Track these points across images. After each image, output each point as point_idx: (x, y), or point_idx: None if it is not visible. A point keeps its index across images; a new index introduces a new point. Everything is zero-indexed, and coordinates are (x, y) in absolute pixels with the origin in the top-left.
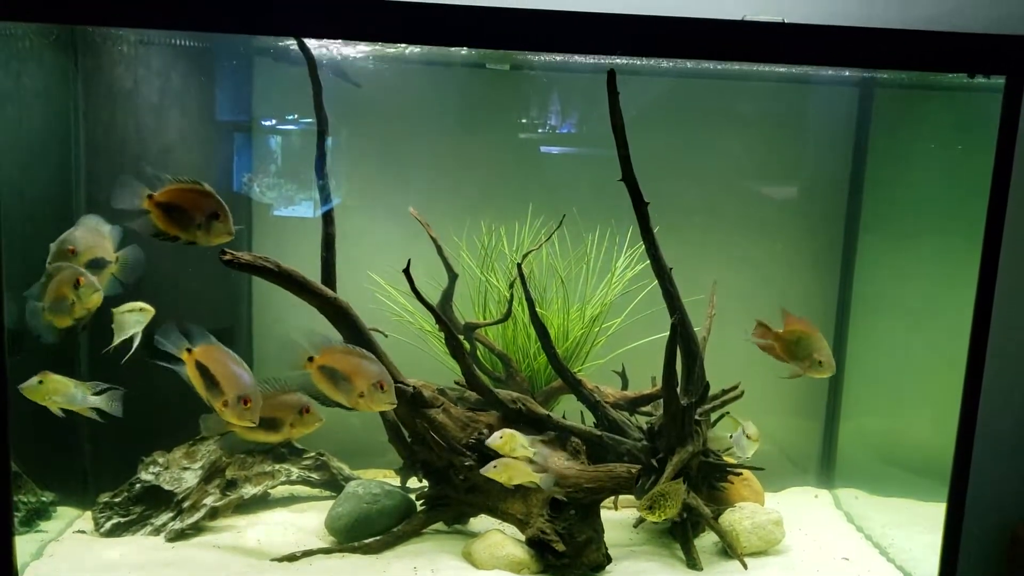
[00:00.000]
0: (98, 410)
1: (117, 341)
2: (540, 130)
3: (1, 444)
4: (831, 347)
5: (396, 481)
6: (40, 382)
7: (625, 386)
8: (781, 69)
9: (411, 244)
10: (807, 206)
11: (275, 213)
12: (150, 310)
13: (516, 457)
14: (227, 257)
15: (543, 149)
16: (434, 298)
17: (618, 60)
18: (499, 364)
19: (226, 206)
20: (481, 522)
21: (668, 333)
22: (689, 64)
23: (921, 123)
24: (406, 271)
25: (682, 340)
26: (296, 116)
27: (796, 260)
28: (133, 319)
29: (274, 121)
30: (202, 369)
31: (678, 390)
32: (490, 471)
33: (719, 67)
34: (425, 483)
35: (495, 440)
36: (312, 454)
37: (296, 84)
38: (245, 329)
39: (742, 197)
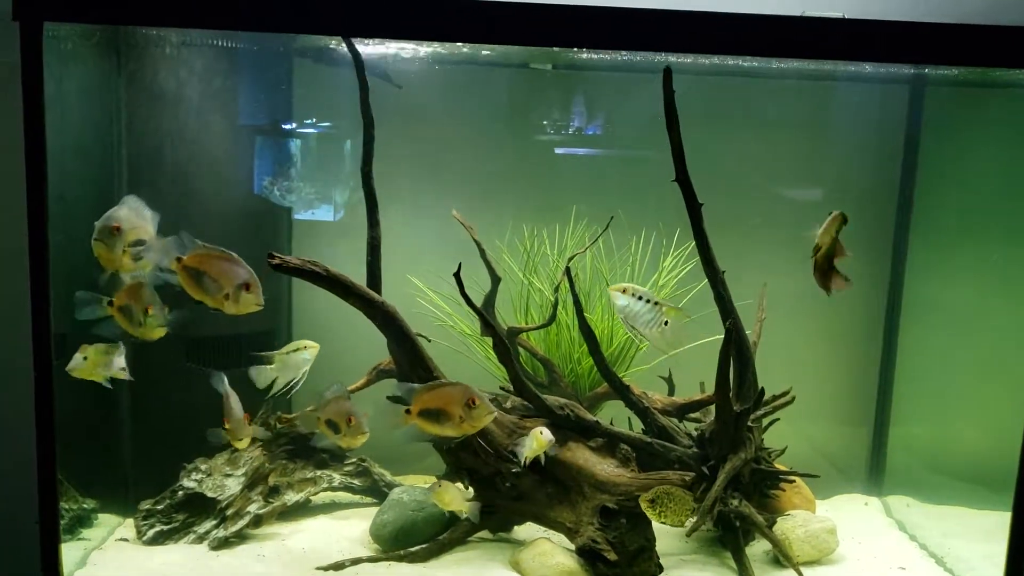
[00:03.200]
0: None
1: (283, 384)
2: (584, 131)
3: (48, 451)
4: (880, 352)
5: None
6: (85, 358)
7: (672, 392)
8: (829, 67)
9: (451, 248)
10: (856, 209)
11: (296, 216)
12: (315, 346)
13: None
14: (275, 261)
15: (587, 150)
16: (476, 303)
17: (671, 58)
18: (541, 369)
19: (255, 277)
20: (525, 530)
21: (722, 338)
22: (739, 62)
23: (976, 122)
24: (456, 275)
25: (735, 345)
26: (332, 120)
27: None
28: (300, 359)
29: (315, 123)
30: (196, 274)
31: (731, 396)
32: (436, 491)
33: (767, 65)
34: (471, 489)
35: (436, 488)
36: (353, 460)
37: (337, 85)
38: (285, 333)
39: (789, 201)
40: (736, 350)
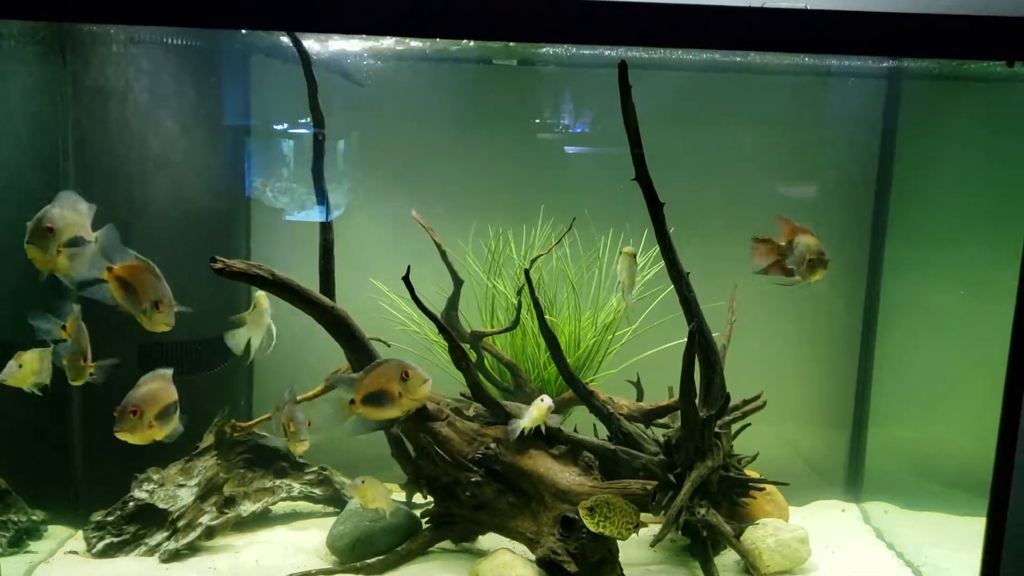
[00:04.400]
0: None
1: (259, 344)
2: (550, 129)
3: None
4: (857, 353)
5: (402, 496)
6: (20, 365)
7: (640, 397)
8: (802, 60)
9: (417, 250)
10: (831, 207)
11: (288, 218)
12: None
13: None
14: (218, 266)
15: (553, 149)
16: (440, 306)
17: (632, 52)
18: (507, 374)
19: (170, 295)
20: (491, 540)
21: (686, 341)
22: (704, 56)
23: (954, 118)
24: (406, 278)
25: (700, 349)
26: (292, 119)
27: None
28: (263, 311)
29: (270, 121)
30: (124, 284)
31: (696, 401)
32: (357, 488)
33: (735, 59)
34: (428, 499)
35: (357, 484)
36: (315, 468)
37: (296, 83)
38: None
39: (762, 198)
40: (702, 354)
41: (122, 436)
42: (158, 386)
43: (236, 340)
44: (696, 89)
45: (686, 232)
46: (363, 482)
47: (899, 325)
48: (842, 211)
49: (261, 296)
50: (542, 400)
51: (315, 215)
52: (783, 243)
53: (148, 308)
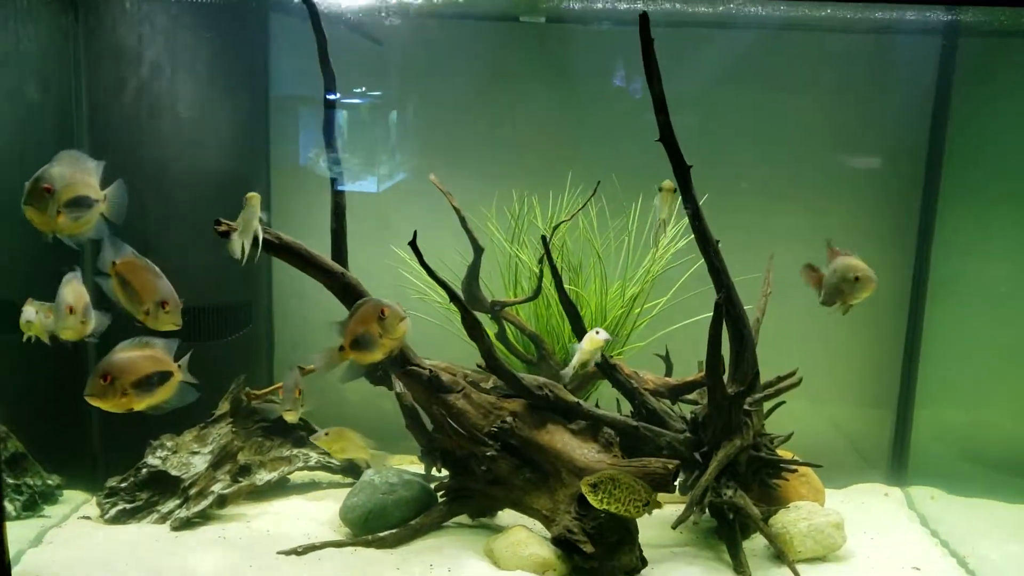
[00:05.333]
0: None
1: (251, 246)
2: (579, 89)
3: None
4: (904, 328)
5: (419, 469)
6: (37, 312)
7: (669, 372)
8: (851, 16)
9: (439, 215)
10: (879, 174)
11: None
12: (255, 195)
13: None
14: (222, 228)
15: (582, 111)
16: (461, 274)
17: (666, 6)
18: (531, 346)
19: (175, 295)
20: (510, 516)
21: (712, 316)
22: (748, 11)
23: (1013, 77)
24: (413, 243)
25: (730, 321)
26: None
27: (866, 234)
28: (251, 212)
29: (289, 82)
30: (123, 280)
31: (725, 377)
32: (321, 439)
33: (780, 11)
34: (445, 472)
35: (321, 436)
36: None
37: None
38: (264, 304)
39: (806, 164)
40: (732, 326)
41: (93, 402)
42: (140, 354)
43: (234, 247)
44: (737, 49)
45: (725, 199)
46: (327, 434)
47: (949, 299)
48: (890, 177)
49: (252, 196)
50: (597, 332)
51: (365, 185)
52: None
53: (153, 308)
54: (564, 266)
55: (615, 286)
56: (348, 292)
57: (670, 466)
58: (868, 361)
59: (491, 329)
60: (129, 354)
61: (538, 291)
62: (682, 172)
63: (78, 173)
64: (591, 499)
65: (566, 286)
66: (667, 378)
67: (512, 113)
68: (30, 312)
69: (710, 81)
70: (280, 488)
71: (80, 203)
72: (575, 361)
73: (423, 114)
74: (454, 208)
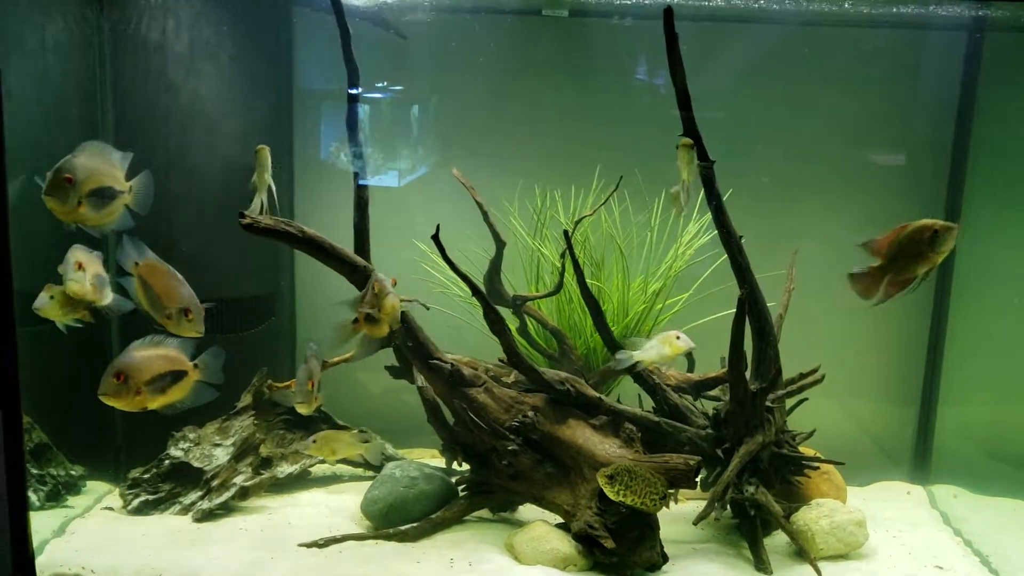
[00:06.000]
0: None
1: (265, 193)
2: (602, 84)
3: (14, 422)
4: (928, 325)
5: (443, 462)
6: (51, 297)
7: (691, 368)
8: (876, 11)
9: (461, 209)
10: (904, 169)
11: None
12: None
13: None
14: (246, 221)
15: (604, 105)
16: (481, 268)
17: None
18: (553, 341)
19: (198, 304)
20: (531, 510)
21: (736, 312)
22: (774, 7)
23: None
24: (435, 237)
25: (752, 317)
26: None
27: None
28: (263, 161)
29: (312, 76)
30: (143, 283)
31: (747, 373)
32: (311, 447)
33: (806, 7)
34: (466, 466)
35: (309, 444)
36: (355, 431)
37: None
38: (287, 297)
39: (830, 159)
40: (754, 323)
41: (107, 400)
42: (154, 353)
43: (254, 207)
44: (762, 44)
45: (747, 195)
46: (315, 441)
47: (974, 295)
48: (915, 172)
49: (262, 149)
50: (679, 338)
51: (387, 179)
52: (882, 258)
53: (175, 314)
54: (586, 261)
55: (637, 281)
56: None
57: (691, 462)
58: (891, 357)
59: (512, 324)
60: (143, 353)
61: (560, 286)
62: (706, 167)
63: (102, 164)
64: (607, 490)
65: (588, 281)
66: (689, 374)
67: (534, 108)
68: (43, 297)
69: (734, 76)
70: (301, 481)
71: (103, 194)
72: (646, 357)
73: (446, 109)
74: (476, 203)
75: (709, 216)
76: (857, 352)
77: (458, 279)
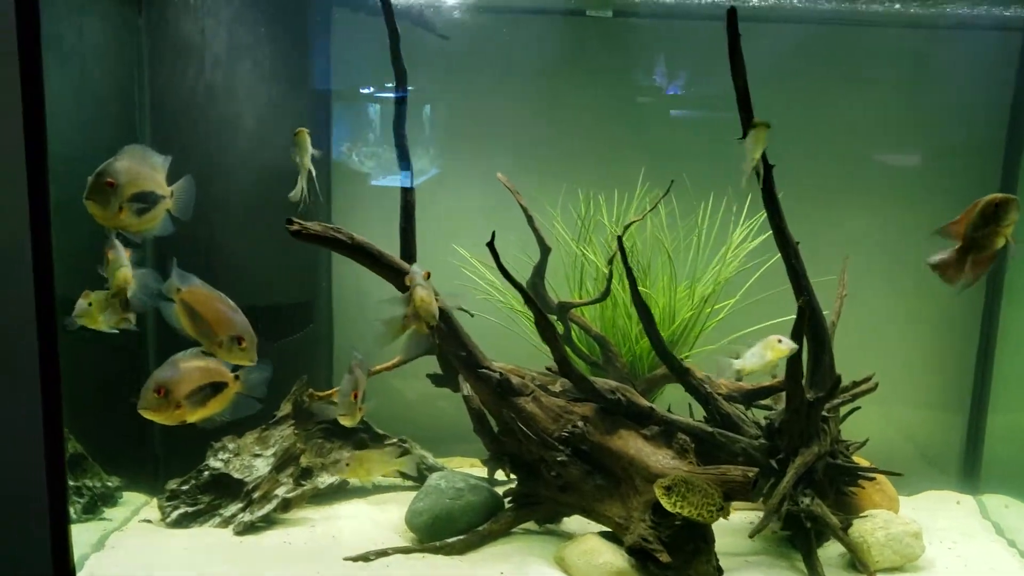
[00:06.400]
0: None
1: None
2: (647, 86)
3: (55, 430)
4: (977, 330)
5: (484, 472)
6: (90, 304)
7: (739, 376)
8: (925, 11)
9: (501, 214)
10: (954, 172)
11: (373, 183)
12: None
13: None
14: (294, 228)
15: (650, 107)
16: (525, 274)
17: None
18: (596, 348)
19: (251, 332)
20: (576, 522)
21: (794, 317)
22: (824, 5)
23: None
24: (490, 244)
25: (809, 325)
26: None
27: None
28: (303, 143)
29: (351, 78)
30: (190, 310)
31: (803, 382)
32: (344, 471)
33: (859, 7)
34: (513, 477)
35: (343, 468)
36: (394, 440)
37: (379, 38)
38: (324, 304)
39: (879, 162)
40: (811, 331)
41: (146, 415)
42: (194, 365)
43: (294, 194)
44: (812, 45)
45: (797, 198)
46: (348, 464)
47: None
48: (966, 175)
49: (301, 132)
50: (780, 341)
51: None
52: (961, 239)
53: (227, 342)
54: (633, 266)
55: (684, 285)
56: None
57: (750, 474)
58: (939, 363)
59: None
60: (183, 365)
61: (607, 292)
62: (764, 172)
63: (143, 168)
64: (664, 501)
65: (639, 288)
66: (740, 383)
67: (578, 110)
68: (82, 304)
69: (783, 77)
70: (341, 491)
71: (144, 198)
72: (748, 365)
73: (487, 110)
74: (521, 207)
75: (755, 222)
76: (904, 358)
77: (498, 284)
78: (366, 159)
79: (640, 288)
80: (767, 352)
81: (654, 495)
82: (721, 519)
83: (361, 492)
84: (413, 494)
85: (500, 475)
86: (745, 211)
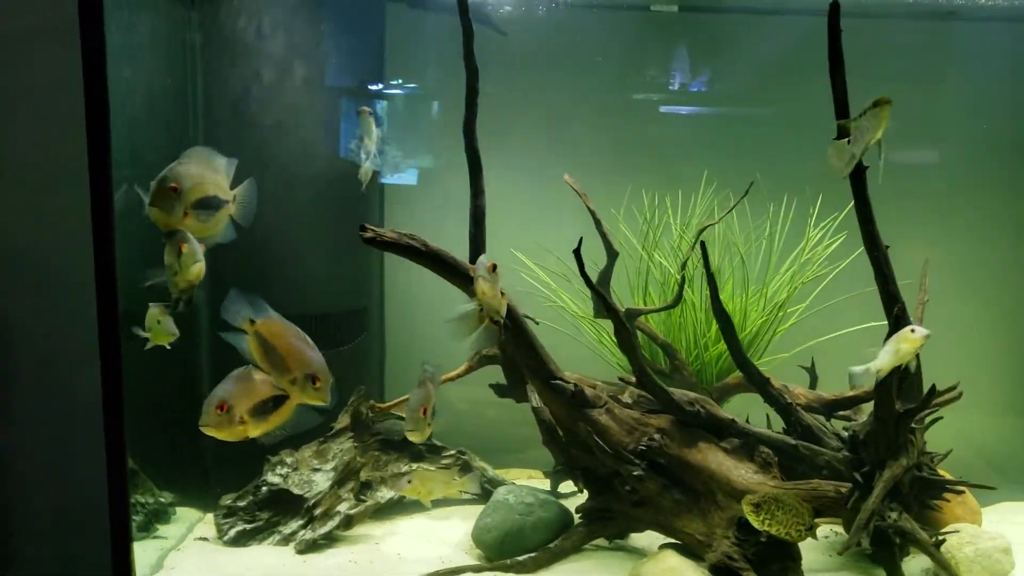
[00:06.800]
0: None
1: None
2: (715, 83)
3: (118, 446)
4: None
5: (540, 483)
6: (159, 322)
7: (813, 384)
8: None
9: (560, 217)
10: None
11: (383, 181)
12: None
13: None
14: (368, 235)
15: (718, 106)
16: (569, 279)
17: None
18: (660, 355)
19: (327, 371)
20: (645, 537)
21: (890, 326)
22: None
23: None
24: (577, 252)
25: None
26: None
27: (1009, 231)
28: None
29: (405, 76)
30: (264, 343)
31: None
32: (406, 488)
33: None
34: (574, 488)
35: (404, 486)
36: (452, 452)
37: (432, 34)
38: (376, 312)
39: (951, 159)
40: None
41: (208, 432)
42: (253, 379)
43: (362, 171)
44: (875, 37)
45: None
46: (410, 481)
47: None
48: None
49: (364, 111)
50: (912, 330)
51: (407, 177)
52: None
53: (301, 380)
54: (720, 270)
55: (754, 292)
56: None
57: (843, 489)
58: (1008, 367)
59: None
60: (243, 380)
61: (679, 298)
62: (857, 174)
63: (207, 171)
64: (752, 519)
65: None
66: (819, 392)
67: (642, 107)
68: (155, 314)
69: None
70: (400, 505)
71: (209, 204)
72: (884, 364)
73: (545, 107)
74: (589, 210)
75: (827, 225)
76: (971, 362)
77: (557, 291)
78: (373, 157)
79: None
80: (902, 345)
81: (737, 511)
82: (815, 538)
83: (421, 506)
84: (475, 508)
85: (562, 488)
86: (815, 211)
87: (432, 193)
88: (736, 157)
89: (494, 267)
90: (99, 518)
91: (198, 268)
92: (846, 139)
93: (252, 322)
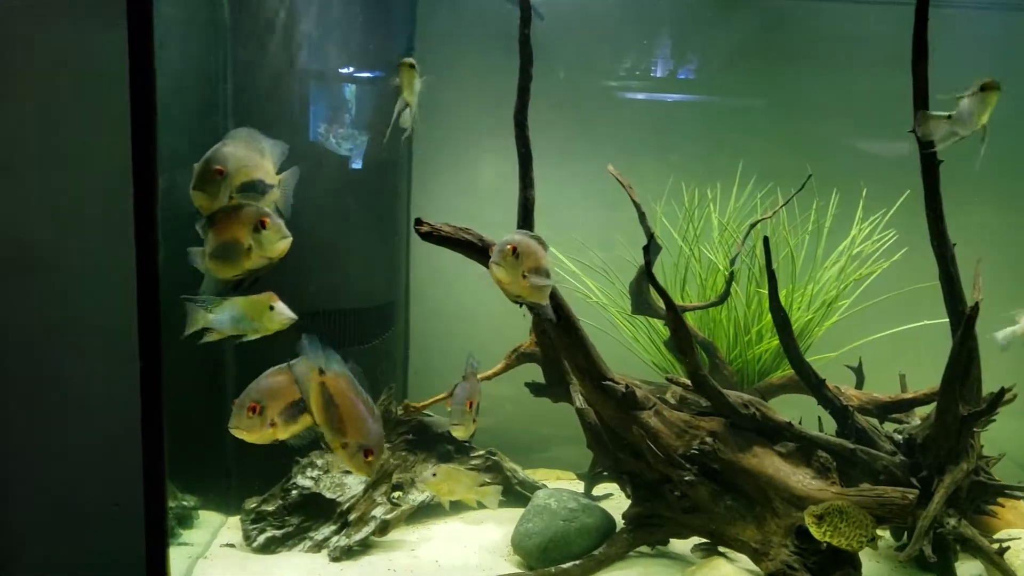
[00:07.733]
0: None
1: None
2: (756, 72)
3: (156, 448)
4: None
5: (569, 484)
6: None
7: (860, 384)
8: None
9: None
10: None
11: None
12: None
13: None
14: (424, 229)
15: (761, 95)
16: (625, 275)
17: None
18: (701, 354)
19: (383, 444)
20: (683, 543)
21: (962, 327)
22: None
23: None
24: (647, 248)
25: (965, 335)
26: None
27: None
28: None
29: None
30: (328, 398)
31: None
32: (430, 481)
33: None
34: (608, 491)
35: (428, 478)
36: (482, 452)
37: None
38: (402, 308)
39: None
40: (963, 341)
41: (238, 434)
42: (282, 380)
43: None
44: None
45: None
46: (435, 475)
47: None
48: None
49: (405, 64)
50: None
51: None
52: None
53: (353, 447)
54: (755, 268)
55: (800, 288)
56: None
57: (910, 496)
58: None
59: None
60: (272, 381)
61: (725, 295)
62: (930, 168)
63: (252, 154)
64: (814, 531)
65: (754, 289)
66: (874, 394)
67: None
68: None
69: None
70: (431, 509)
71: (254, 188)
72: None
73: (580, 97)
74: (634, 203)
75: (875, 221)
76: (1010, 365)
77: (591, 287)
78: (342, 141)
79: (760, 291)
80: None
81: (796, 518)
82: (875, 548)
83: (455, 509)
84: (509, 512)
85: (595, 491)
86: (860, 207)
87: (457, 182)
88: (783, 150)
89: (514, 250)
90: (135, 522)
91: (284, 244)
92: (947, 114)
93: (321, 372)
